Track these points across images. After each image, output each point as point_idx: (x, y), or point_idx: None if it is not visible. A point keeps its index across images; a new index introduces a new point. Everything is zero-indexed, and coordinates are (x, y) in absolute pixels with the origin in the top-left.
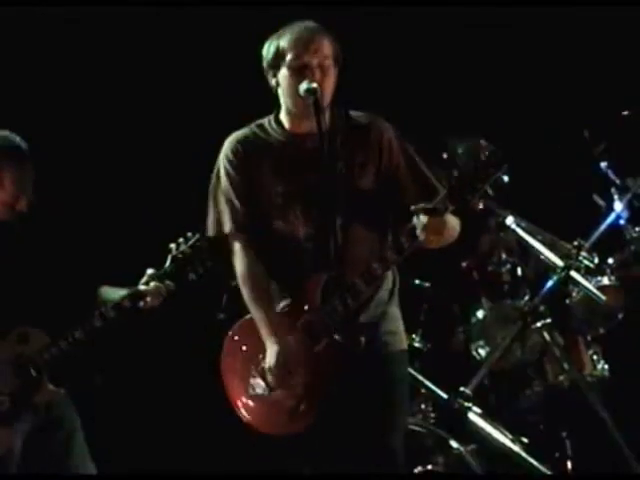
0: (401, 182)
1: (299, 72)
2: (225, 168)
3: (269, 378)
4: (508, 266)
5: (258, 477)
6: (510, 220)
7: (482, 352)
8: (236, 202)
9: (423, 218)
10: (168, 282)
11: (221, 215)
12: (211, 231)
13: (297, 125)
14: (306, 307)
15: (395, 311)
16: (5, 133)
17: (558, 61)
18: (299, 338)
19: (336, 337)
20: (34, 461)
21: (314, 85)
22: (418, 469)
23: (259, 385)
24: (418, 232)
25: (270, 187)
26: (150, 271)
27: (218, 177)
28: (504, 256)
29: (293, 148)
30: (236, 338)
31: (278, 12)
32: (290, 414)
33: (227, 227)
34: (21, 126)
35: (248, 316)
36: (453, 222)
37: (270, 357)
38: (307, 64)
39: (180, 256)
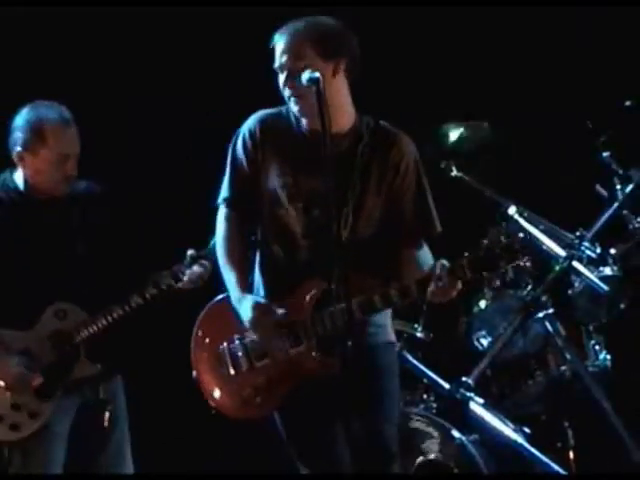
0: (404, 208)
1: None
2: (240, 142)
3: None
4: None
5: (257, 477)
6: (513, 210)
7: (484, 342)
8: (236, 178)
9: (440, 275)
10: (207, 263)
11: (224, 183)
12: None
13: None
14: (296, 308)
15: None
16: (49, 102)
17: (561, 51)
18: (280, 332)
19: (314, 351)
20: (78, 441)
21: (316, 74)
22: (420, 459)
23: (224, 364)
24: (430, 288)
25: (280, 175)
26: (191, 251)
27: (234, 147)
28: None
29: (311, 144)
30: (200, 333)
31: (278, 12)
32: (244, 400)
33: (222, 195)
34: None
35: (205, 309)
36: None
37: (245, 311)
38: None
39: None
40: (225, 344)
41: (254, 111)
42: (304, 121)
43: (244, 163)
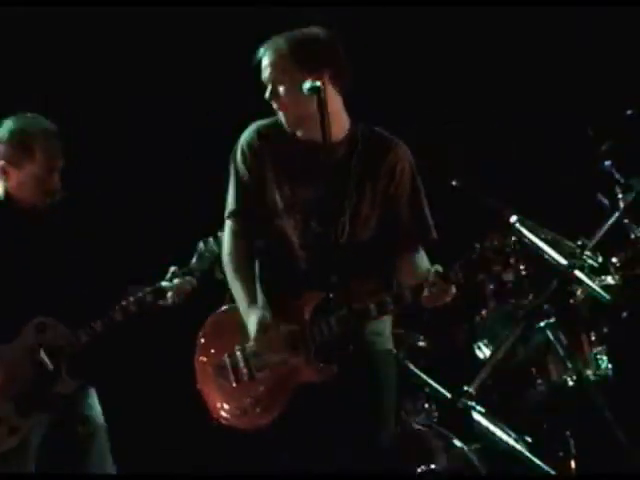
0: (400, 214)
1: None
2: (240, 155)
3: (241, 364)
4: None
5: (257, 477)
6: (514, 219)
7: (486, 351)
8: (241, 192)
9: (433, 280)
10: (190, 279)
11: (229, 197)
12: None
13: (315, 130)
14: (295, 318)
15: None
16: (34, 114)
17: (562, 59)
18: (282, 345)
19: (312, 360)
20: (51, 456)
21: (317, 83)
22: (421, 468)
23: (226, 375)
24: (424, 294)
25: (277, 185)
26: (173, 268)
27: (235, 160)
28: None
29: (306, 154)
30: (202, 344)
31: (278, 12)
32: (244, 411)
33: (228, 209)
34: None
35: (208, 320)
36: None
37: (252, 325)
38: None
39: (207, 254)
40: (226, 355)
41: (243, 119)
42: (298, 132)
43: (247, 175)
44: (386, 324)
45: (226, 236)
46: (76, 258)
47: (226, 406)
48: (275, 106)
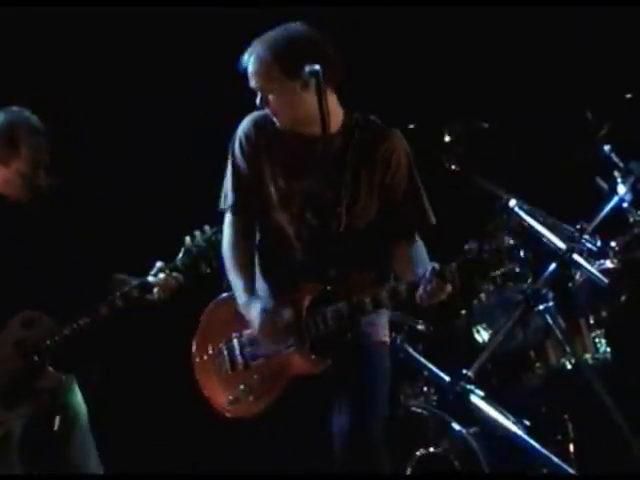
0: (397, 203)
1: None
2: (238, 147)
3: (237, 350)
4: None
5: (257, 477)
6: (513, 203)
7: (484, 335)
8: (239, 184)
9: (429, 278)
10: (177, 274)
11: (226, 190)
12: (221, 204)
13: (310, 126)
14: (292, 310)
15: None
16: (19, 109)
17: (561, 43)
18: (281, 335)
19: (307, 352)
20: (32, 447)
21: (316, 67)
22: (420, 452)
23: (222, 363)
24: (419, 292)
25: (273, 178)
26: (159, 263)
27: (233, 152)
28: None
29: (302, 147)
30: (200, 334)
31: (278, 12)
32: (237, 398)
33: (226, 202)
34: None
35: (206, 311)
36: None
37: (255, 314)
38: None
39: (194, 249)
40: (223, 342)
41: (239, 111)
42: (293, 128)
43: (245, 167)
44: (381, 315)
45: (226, 229)
46: (61, 252)
47: (220, 394)
48: (268, 111)
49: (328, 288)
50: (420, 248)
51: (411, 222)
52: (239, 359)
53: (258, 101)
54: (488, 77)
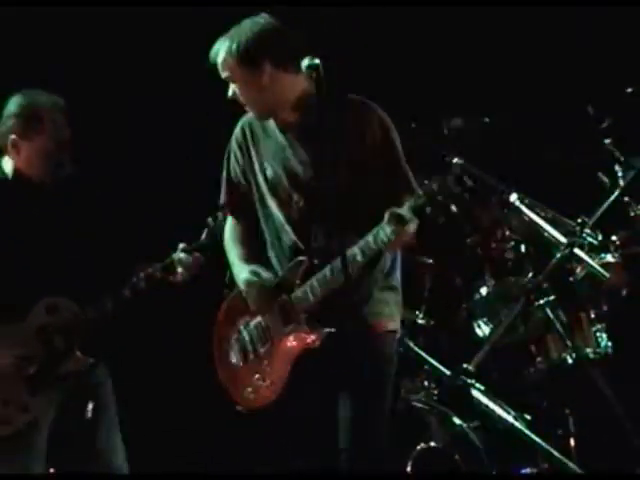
0: (376, 170)
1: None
2: (227, 152)
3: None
4: (512, 243)
5: (258, 477)
6: (514, 197)
7: (485, 329)
8: (229, 182)
9: (388, 220)
10: (199, 255)
11: (221, 190)
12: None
13: (282, 112)
14: (284, 288)
15: (384, 295)
16: (39, 90)
17: (563, 37)
18: (273, 316)
19: (302, 326)
20: (62, 435)
21: (316, 61)
22: (421, 446)
23: (234, 357)
24: (382, 236)
25: (261, 169)
26: (182, 245)
27: (227, 157)
28: (508, 233)
29: (281, 132)
30: (216, 332)
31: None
32: (255, 389)
33: (221, 200)
34: None
35: (220, 310)
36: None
37: (250, 297)
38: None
39: (217, 231)
40: (234, 336)
41: None
42: (270, 119)
43: (232, 170)
44: (386, 305)
45: (226, 225)
46: (85, 236)
47: (240, 388)
48: (240, 102)
49: (315, 262)
50: None
51: (393, 190)
52: (249, 348)
53: (230, 94)
54: (488, 72)
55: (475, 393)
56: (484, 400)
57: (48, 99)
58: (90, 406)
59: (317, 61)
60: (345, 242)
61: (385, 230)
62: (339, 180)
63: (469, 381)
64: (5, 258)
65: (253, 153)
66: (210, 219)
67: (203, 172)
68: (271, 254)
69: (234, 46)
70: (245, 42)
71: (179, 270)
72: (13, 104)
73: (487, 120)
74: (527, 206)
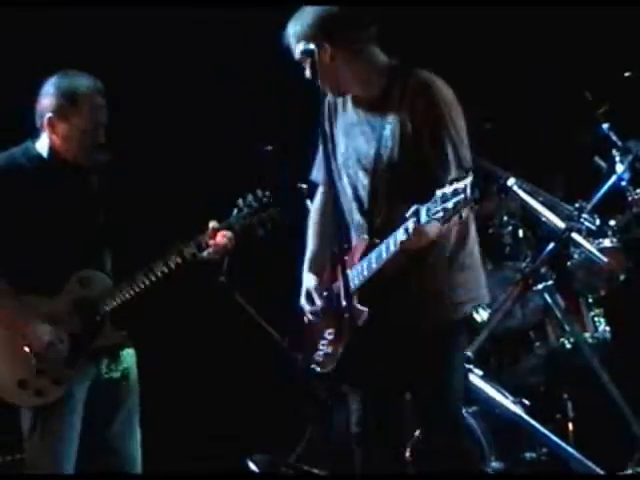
0: (422, 151)
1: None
2: (320, 123)
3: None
4: (510, 228)
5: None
6: (512, 182)
7: (483, 314)
8: (318, 155)
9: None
10: (230, 234)
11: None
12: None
13: (356, 91)
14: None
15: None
16: (77, 71)
17: (560, 22)
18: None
19: (352, 305)
20: (95, 408)
21: (311, 46)
22: (419, 431)
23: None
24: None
25: (337, 143)
26: (213, 223)
27: (319, 128)
28: (506, 218)
29: (351, 109)
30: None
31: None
32: (326, 355)
33: (312, 176)
34: None
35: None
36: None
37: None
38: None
39: (246, 209)
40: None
41: None
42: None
43: (322, 142)
44: (457, 290)
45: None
46: (118, 212)
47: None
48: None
49: (376, 241)
50: None
51: (440, 170)
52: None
53: (306, 74)
54: (486, 58)
55: (473, 378)
56: (482, 385)
57: (87, 80)
58: (124, 384)
59: (311, 47)
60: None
61: (401, 229)
62: (399, 159)
63: (467, 366)
64: (40, 233)
65: (334, 128)
66: (240, 199)
67: (234, 150)
68: (334, 232)
69: (298, 28)
70: (308, 24)
71: (209, 249)
72: (51, 84)
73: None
74: (525, 191)
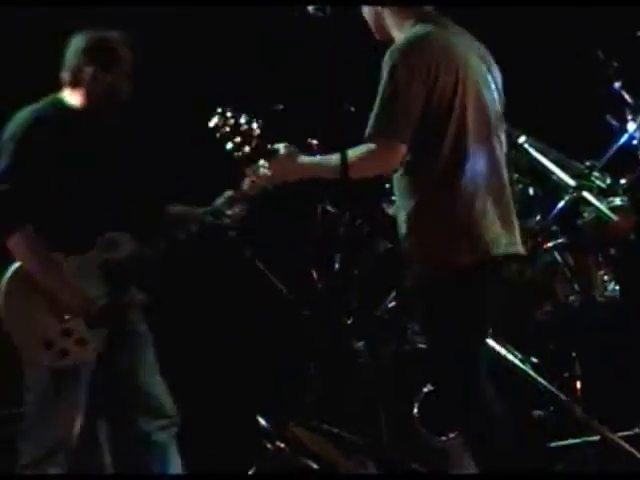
0: None
1: None
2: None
3: None
4: (520, 186)
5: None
6: (523, 139)
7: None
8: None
9: None
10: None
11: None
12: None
13: None
14: None
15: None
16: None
17: None
18: None
19: None
20: (121, 359)
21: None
22: (427, 388)
23: None
24: None
25: None
26: (229, 192)
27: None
28: (516, 176)
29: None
30: None
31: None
32: None
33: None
34: None
35: None
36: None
37: None
38: None
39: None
40: None
41: None
42: None
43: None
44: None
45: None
46: (147, 175)
47: None
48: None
49: None
50: None
51: None
52: None
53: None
54: (497, 13)
55: None
56: (490, 343)
57: (117, 34)
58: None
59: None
60: None
61: None
62: None
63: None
64: (68, 189)
65: None
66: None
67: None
68: None
69: None
70: None
71: (227, 216)
72: (81, 40)
73: None
74: (536, 149)
